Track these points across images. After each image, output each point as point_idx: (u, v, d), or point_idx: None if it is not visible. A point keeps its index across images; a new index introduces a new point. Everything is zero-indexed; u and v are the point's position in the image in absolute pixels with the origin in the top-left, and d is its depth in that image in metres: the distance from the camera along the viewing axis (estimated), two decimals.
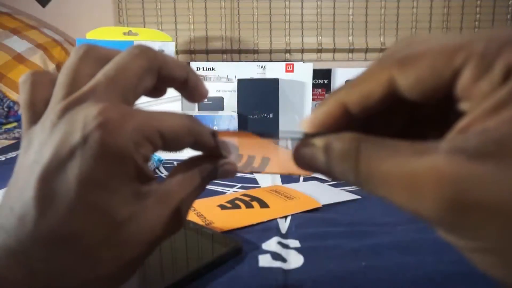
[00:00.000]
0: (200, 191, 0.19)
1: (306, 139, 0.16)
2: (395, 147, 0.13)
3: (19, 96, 0.18)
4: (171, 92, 0.20)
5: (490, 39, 0.13)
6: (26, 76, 0.18)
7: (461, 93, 0.13)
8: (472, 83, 0.13)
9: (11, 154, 0.71)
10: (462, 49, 0.13)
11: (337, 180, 0.16)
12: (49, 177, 0.15)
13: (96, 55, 0.18)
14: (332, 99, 0.16)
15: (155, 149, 0.17)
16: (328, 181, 0.54)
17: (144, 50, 0.18)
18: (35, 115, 0.17)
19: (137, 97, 0.18)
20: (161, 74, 0.18)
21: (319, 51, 1.48)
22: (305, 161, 0.16)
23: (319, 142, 0.15)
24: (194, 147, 0.19)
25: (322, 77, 0.87)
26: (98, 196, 0.15)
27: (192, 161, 0.20)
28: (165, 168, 0.61)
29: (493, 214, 0.11)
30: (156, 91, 0.20)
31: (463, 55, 0.13)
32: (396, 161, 0.13)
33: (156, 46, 0.84)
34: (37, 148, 0.16)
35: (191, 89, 0.20)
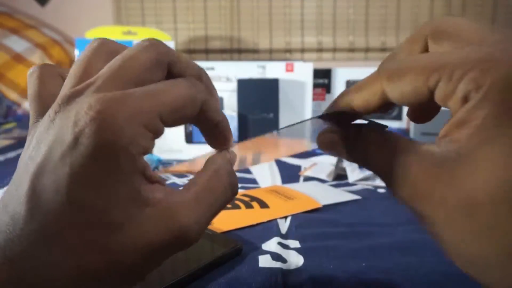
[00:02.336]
0: (216, 214, 0.18)
1: (328, 129, 0.20)
2: (395, 139, 0.17)
3: (28, 89, 0.18)
4: None
5: (460, 63, 0.14)
6: (33, 68, 0.18)
7: (440, 104, 0.16)
8: (443, 101, 0.15)
9: (10, 155, 0.71)
10: (436, 70, 0.15)
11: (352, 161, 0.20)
12: (41, 175, 0.14)
13: (109, 49, 0.18)
14: (340, 101, 0.19)
15: (156, 135, 0.16)
16: (328, 181, 0.54)
17: (155, 43, 0.17)
18: (42, 109, 0.17)
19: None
20: (171, 71, 0.17)
21: (319, 50, 1.48)
22: (328, 143, 0.20)
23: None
24: (197, 122, 0.18)
25: (322, 77, 0.87)
26: (88, 196, 0.14)
27: (214, 176, 0.18)
28: (164, 168, 0.61)
29: (457, 208, 0.14)
30: None
31: (436, 77, 0.15)
32: (388, 152, 0.17)
33: None
34: (35, 144, 0.15)
35: None
